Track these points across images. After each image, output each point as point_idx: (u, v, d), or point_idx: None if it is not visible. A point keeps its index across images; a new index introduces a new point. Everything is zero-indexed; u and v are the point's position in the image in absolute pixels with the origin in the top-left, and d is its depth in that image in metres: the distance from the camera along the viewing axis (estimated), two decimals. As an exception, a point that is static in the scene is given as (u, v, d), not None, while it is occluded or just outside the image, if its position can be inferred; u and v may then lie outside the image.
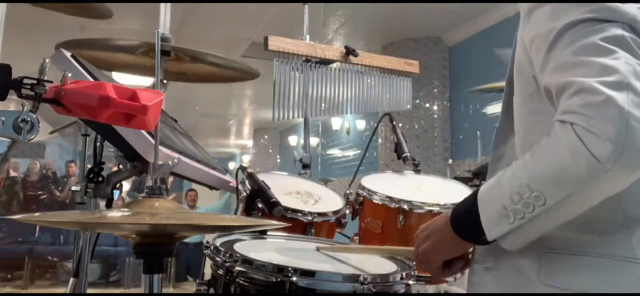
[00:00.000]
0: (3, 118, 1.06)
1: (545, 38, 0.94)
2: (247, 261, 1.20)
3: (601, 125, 0.82)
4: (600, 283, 0.94)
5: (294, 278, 1.14)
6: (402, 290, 1.25)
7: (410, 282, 1.26)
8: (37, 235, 8.20)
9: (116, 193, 1.68)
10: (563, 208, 0.89)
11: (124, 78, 2.92)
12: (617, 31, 0.90)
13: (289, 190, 1.85)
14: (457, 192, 1.91)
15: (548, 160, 0.88)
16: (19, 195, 8.78)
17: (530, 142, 1.00)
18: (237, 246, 1.33)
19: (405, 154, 2.15)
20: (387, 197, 1.77)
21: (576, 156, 0.84)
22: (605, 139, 0.82)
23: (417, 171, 2.11)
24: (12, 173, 9.02)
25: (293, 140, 12.75)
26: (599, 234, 0.96)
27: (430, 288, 2.09)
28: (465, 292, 2.04)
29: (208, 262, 1.35)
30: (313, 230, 1.70)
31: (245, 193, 1.63)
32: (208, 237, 1.48)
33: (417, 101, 6.66)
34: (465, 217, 1.01)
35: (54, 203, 8.96)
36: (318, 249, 1.44)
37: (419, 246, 1.12)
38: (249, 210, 1.57)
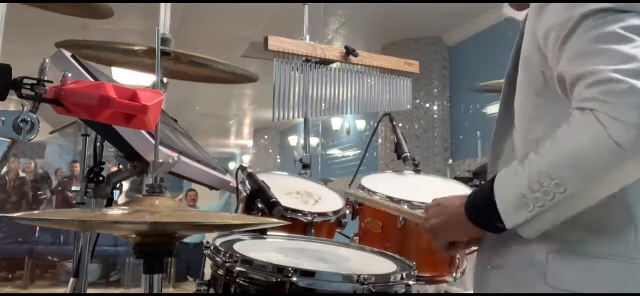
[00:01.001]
0: (3, 118, 1.06)
1: (563, 27, 0.93)
2: (247, 261, 1.20)
3: (626, 111, 0.82)
4: (605, 284, 0.93)
5: (294, 278, 1.14)
6: (402, 290, 1.24)
7: (410, 282, 1.26)
8: (37, 235, 8.20)
9: (116, 193, 1.68)
10: (583, 196, 0.89)
11: (123, 75, 2.93)
12: (636, 21, 0.89)
13: (289, 190, 1.84)
14: (457, 192, 1.90)
15: (569, 147, 0.87)
16: (28, 195, 8.80)
17: (534, 137, 1.00)
18: (237, 247, 1.32)
19: (405, 154, 2.15)
20: (387, 197, 1.77)
21: (599, 142, 0.84)
22: (629, 125, 0.81)
23: (417, 171, 2.11)
24: (21, 174, 9.03)
25: (293, 140, 12.75)
26: (604, 235, 0.95)
27: (430, 288, 2.09)
28: (465, 292, 2.04)
29: (208, 262, 1.35)
30: (313, 230, 1.70)
31: (245, 193, 1.63)
32: (208, 237, 1.48)
33: (417, 101, 6.66)
34: (481, 205, 1.01)
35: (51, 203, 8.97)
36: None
37: (429, 219, 1.14)
38: (249, 210, 1.57)
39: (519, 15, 1.17)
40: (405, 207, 1.72)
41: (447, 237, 1.12)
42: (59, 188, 9.35)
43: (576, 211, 0.91)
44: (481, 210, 1.01)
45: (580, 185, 0.87)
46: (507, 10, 1.27)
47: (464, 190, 1.93)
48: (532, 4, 1.04)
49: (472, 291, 1.83)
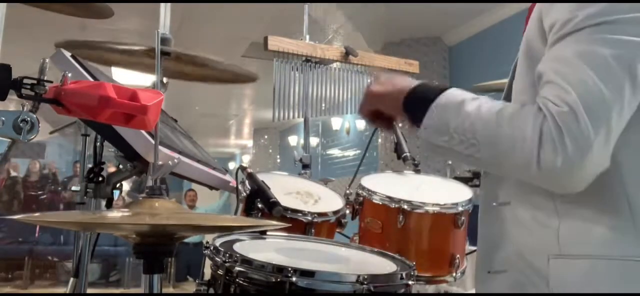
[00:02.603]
0: (3, 118, 1.06)
1: (563, 26, 0.93)
2: (246, 261, 1.20)
3: (563, 142, 0.85)
4: (608, 285, 0.93)
5: (294, 278, 1.14)
6: (402, 290, 1.25)
7: (410, 282, 1.26)
8: (37, 235, 8.21)
9: (116, 193, 1.68)
10: (483, 165, 1.00)
11: (123, 75, 2.93)
12: (630, 51, 0.87)
13: (289, 190, 1.84)
14: (457, 192, 1.91)
15: (504, 130, 0.92)
16: (20, 195, 8.79)
17: None
18: (237, 247, 1.32)
19: (405, 154, 2.15)
20: (387, 197, 1.77)
21: (525, 149, 0.88)
22: (558, 155, 0.85)
23: (417, 171, 2.11)
24: (13, 173, 9.02)
25: (293, 140, 12.75)
26: (605, 236, 0.94)
27: (430, 288, 2.09)
28: (465, 292, 2.04)
29: (208, 262, 1.35)
30: (313, 230, 1.70)
31: (245, 193, 1.63)
32: (208, 237, 1.48)
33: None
34: (418, 102, 1.05)
35: (55, 204, 8.96)
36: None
37: (371, 84, 1.19)
38: (248, 210, 1.57)
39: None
40: (405, 206, 1.72)
41: (378, 105, 1.16)
42: (59, 189, 9.35)
43: (470, 164, 0.99)
44: (416, 106, 1.06)
45: (488, 160, 0.95)
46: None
47: (464, 190, 1.93)
48: None
49: (471, 291, 1.83)
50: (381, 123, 1.22)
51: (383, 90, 1.15)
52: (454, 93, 1.02)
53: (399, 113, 1.12)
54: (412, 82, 1.12)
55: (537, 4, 1.03)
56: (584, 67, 0.87)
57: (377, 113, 1.18)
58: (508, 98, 1.10)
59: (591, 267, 0.94)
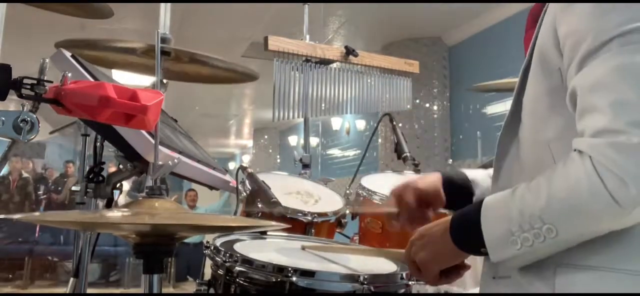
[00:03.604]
0: (3, 118, 1.06)
1: (586, 39, 0.87)
2: (247, 261, 1.20)
3: (625, 167, 0.80)
4: None
5: (294, 278, 1.14)
6: (402, 290, 1.25)
7: (410, 282, 1.26)
8: (37, 235, 8.20)
9: (116, 193, 1.68)
10: (574, 240, 0.89)
11: (123, 77, 2.92)
12: None
13: (289, 190, 1.85)
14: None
15: (564, 194, 0.85)
16: (32, 196, 8.79)
17: (546, 138, 0.97)
18: (237, 247, 1.32)
19: (405, 154, 2.15)
20: (387, 197, 1.77)
21: (596, 196, 0.82)
22: (627, 183, 0.80)
23: (417, 171, 2.11)
24: (25, 174, 9.02)
25: (293, 140, 12.75)
26: (613, 248, 0.92)
27: (430, 288, 2.08)
28: (465, 292, 2.04)
29: (208, 262, 1.35)
30: (313, 230, 1.70)
31: (245, 193, 1.63)
32: (208, 237, 1.48)
33: (417, 101, 6.66)
34: (467, 232, 0.99)
35: (51, 205, 8.96)
36: (303, 248, 1.43)
37: (415, 255, 1.08)
38: (249, 210, 1.57)
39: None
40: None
41: (439, 267, 1.08)
42: (60, 188, 9.35)
43: (563, 248, 0.91)
44: (468, 237, 0.99)
45: (572, 231, 0.87)
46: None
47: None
48: None
49: (471, 291, 1.83)
50: (454, 274, 1.11)
51: (429, 252, 1.06)
52: (490, 203, 0.96)
53: (458, 254, 1.02)
54: (438, 224, 1.05)
55: (550, 9, 0.99)
56: (624, 83, 0.83)
57: (443, 273, 1.09)
58: (517, 110, 1.06)
59: (598, 279, 0.93)
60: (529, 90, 1.03)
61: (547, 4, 1.03)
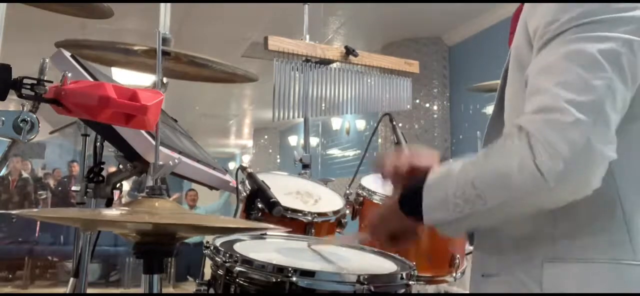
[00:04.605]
0: (3, 118, 1.06)
1: (547, 29, 0.92)
2: (247, 261, 1.20)
3: (558, 143, 0.83)
4: (601, 288, 0.93)
5: (294, 278, 1.14)
6: (402, 290, 1.25)
7: (411, 282, 1.26)
8: (37, 235, 8.20)
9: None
10: (501, 211, 0.91)
11: (124, 75, 2.92)
12: (617, 45, 0.87)
13: (289, 190, 1.84)
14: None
15: (496, 164, 0.90)
16: (31, 196, 8.79)
17: None
18: (237, 247, 1.32)
19: (405, 154, 2.15)
20: (387, 196, 1.76)
21: (524, 168, 0.85)
22: (557, 158, 0.83)
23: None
24: (24, 174, 9.03)
25: (293, 140, 12.75)
26: (599, 240, 0.94)
27: (430, 288, 2.09)
28: (465, 292, 2.04)
29: (208, 262, 1.35)
30: (313, 230, 1.70)
31: (245, 193, 1.63)
32: (208, 237, 1.48)
33: (417, 101, 6.66)
34: (410, 196, 1.02)
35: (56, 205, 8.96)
36: (309, 246, 1.44)
37: (369, 219, 1.16)
38: (248, 210, 1.57)
39: None
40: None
41: (386, 228, 1.12)
42: (59, 189, 9.35)
43: (495, 223, 0.95)
44: (410, 201, 1.02)
45: (499, 202, 0.90)
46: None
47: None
48: None
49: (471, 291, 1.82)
50: (403, 239, 1.14)
51: (380, 213, 1.13)
52: (438, 169, 1.00)
53: (402, 217, 1.06)
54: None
55: (524, 8, 1.03)
56: (570, 67, 0.87)
57: (392, 235, 1.13)
58: (500, 105, 1.10)
59: (584, 271, 0.94)
60: (508, 88, 1.07)
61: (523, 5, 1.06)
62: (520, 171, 0.85)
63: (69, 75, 1.08)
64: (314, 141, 10.06)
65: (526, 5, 1.02)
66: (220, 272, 1.23)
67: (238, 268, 1.19)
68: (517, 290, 0.99)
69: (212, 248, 1.29)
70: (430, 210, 0.97)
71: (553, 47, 0.90)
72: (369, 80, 2.65)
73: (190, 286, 7.71)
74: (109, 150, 1.64)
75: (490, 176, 0.90)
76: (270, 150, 14.40)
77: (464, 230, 0.97)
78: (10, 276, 8.05)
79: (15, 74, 1.05)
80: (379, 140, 7.22)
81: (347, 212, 1.86)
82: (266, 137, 14.41)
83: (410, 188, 1.03)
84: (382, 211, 1.13)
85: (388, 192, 1.18)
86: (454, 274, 1.78)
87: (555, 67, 0.88)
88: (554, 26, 0.91)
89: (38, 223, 7.87)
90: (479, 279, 1.08)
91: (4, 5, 1.70)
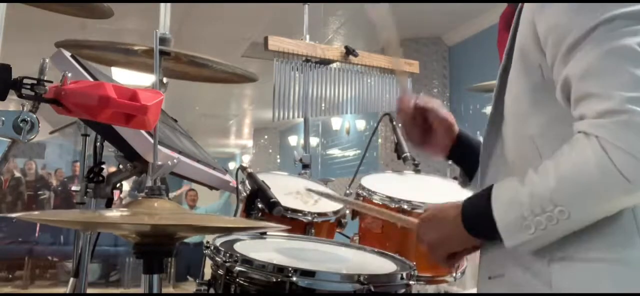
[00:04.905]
0: (3, 118, 1.06)
1: (569, 31, 0.90)
2: (247, 261, 1.20)
3: (633, 143, 0.81)
4: (611, 288, 0.91)
5: (294, 278, 1.14)
6: (402, 290, 1.25)
7: (410, 282, 1.26)
8: (37, 235, 8.20)
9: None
10: (585, 220, 0.90)
11: (124, 75, 2.93)
12: None
13: (289, 190, 1.84)
14: (457, 192, 1.90)
15: (573, 175, 0.87)
16: (24, 195, 8.80)
17: (530, 134, 0.99)
18: (237, 246, 1.32)
19: (405, 154, 2.15)
20: (387, 196, 1.77)
21: (606, 173, 0.83)
22: (636, 158, 0.81)
23: (417, 171, 2.11)
24: (17, 174, 9.03)
25: (293, 140, 12.75)
26: (608, 241, 0.93)
27: (430, 288, 2.08)
28: (465, 292, 2.04)
29: (208, 262, 1.35)
30: (313, 230, 1.70)
31: (245, 193, 1.63)
32: (208, 237, 1.48)
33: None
34: (480, 219, 0.99)
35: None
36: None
37: (425, 235, 1.10)
38: (249, 210, 1.57)
39: None
40: (405, 206, 1.72)
41: (449, 250, 1.09)
42: (60, 189, 9.35)
43: (576, 229, 0.92)
44: (481, 224, 0.99)
45: (584, 212, 0.88)
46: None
47: (464, 190, 1.92)
48: None
49: (471, 291, 1.83)
50: (460, 257, 1.13)
51: (439, 235, 1.08)
52: (499, 191, 0.97)
53: (470, 239, 1.04)
54: (450, 208, 1.06)
55: (526, 9, 1.01)
56: (617, 65, 0.85)
57: (451, 256, 1.10)
58: (499, 110, 1.08)
59: (594, 271, 0.93)
60: (510, 89, 1.05)
61: (518, 6, 1.05)
62: (602, 178, 0.84)
63: (69, 75, 1.08)
64: (314, 141, 10.05)
65: (530, 5, 1.00)
66: (221, 272, 1.23)
67: (238, 268, 1.19)
68: (525, 291, 0.98)
69: (212, 248, 1.29)
70: (510, 232, 0.94)
71: (589, 48, 0.88)
72: (369, 80, 2.65)
73: (190, 286, 7.71)
74: (109, 150, 1.64)
75: (571, 188, 0.87)
76: (270, 150, 14.40)
77: (546, 243, 0.93)
78: (10, 276, 8.05)
79: (15, 74, 1.04)
80: (379, 140, 7.22)
81: (347, 212, 1.86)
82: (266, 137, 14.41)
83: (476, 212, 1.01)
84: (442, 235, 1.08)
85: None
86: (454, 274, 1.78)
87: (601, 67, 0.86)
88: (580, 26, 0.89)
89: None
90: (486, 281, 1.07)
91: (4, 5, 1.70)
